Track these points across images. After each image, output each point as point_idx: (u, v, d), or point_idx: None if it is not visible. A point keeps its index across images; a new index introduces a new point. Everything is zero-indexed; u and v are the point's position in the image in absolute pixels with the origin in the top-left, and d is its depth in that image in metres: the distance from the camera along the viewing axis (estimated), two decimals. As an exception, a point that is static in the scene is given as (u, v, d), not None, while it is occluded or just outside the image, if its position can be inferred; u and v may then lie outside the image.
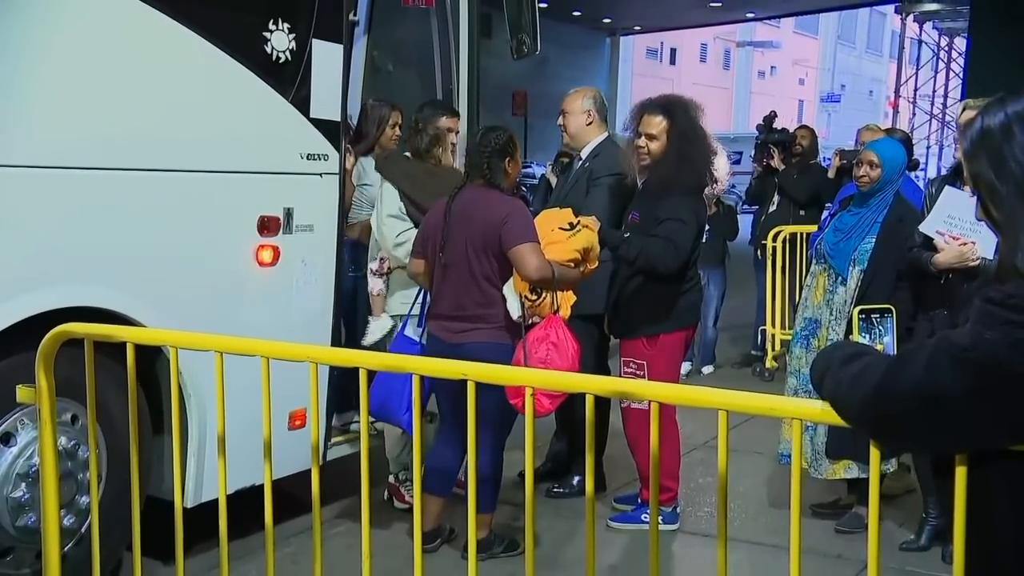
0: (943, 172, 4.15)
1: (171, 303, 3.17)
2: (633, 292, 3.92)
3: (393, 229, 3.86)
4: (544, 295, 3.40)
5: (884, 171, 3.85)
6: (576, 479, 4.35)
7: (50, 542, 2.45)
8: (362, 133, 4.28)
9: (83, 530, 3.03)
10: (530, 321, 3.44)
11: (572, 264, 3.49)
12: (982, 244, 3.45)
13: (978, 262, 3.46)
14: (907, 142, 5.68)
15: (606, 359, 4.40)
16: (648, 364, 3.87)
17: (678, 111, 3.92)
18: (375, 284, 4.04)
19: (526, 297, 3.38)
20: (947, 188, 3.66)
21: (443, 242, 3.46)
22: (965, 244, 3.49)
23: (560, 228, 3.53)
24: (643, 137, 3.91)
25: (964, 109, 3.84)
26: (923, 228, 3.63)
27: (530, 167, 23.38)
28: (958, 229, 3.53)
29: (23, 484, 2.94)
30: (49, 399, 2.36)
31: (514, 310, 3.38)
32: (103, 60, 3.02)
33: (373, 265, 4.05)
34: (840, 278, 3.91)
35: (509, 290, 3.40)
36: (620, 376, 3.88)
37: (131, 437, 2.41)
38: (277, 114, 3.49)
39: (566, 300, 3.54)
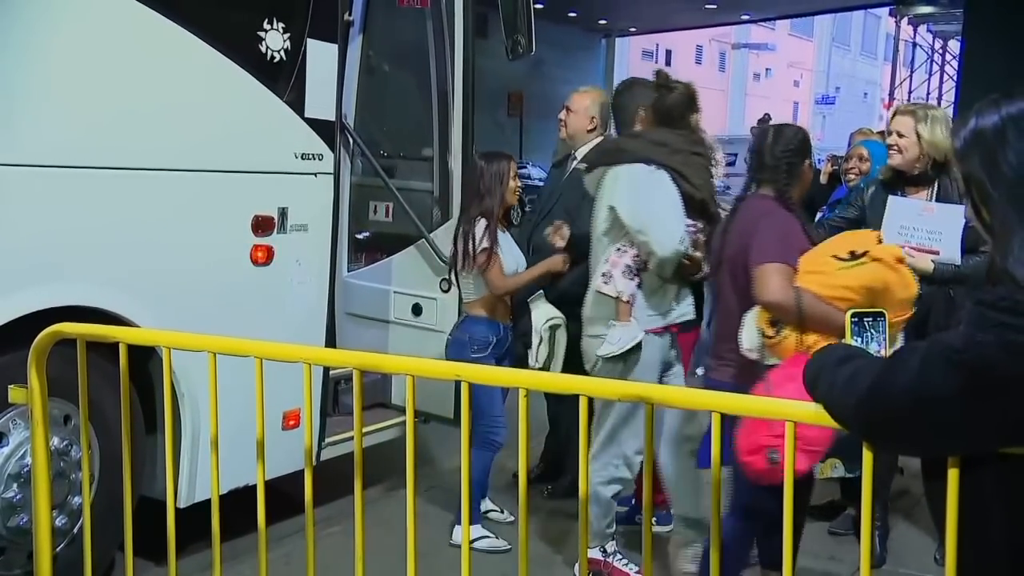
0: (877, 175, 3.98)
1: (165, 303, 3.16)
2: None
3: (677, 225, 3.20)
4: (784, 332, 2.68)
5: (873, 166, 3.88)
6: (569, 480, 4.35)
7: (42, 542, 2.44)
8: (480, 192, 3.80)
9: (75, 530, 3.03)
10: (766, 362, 2.78)
11: (843, 305, 2.58)
12: (946, 250, 3.36)
13: (932, 268, 3.34)
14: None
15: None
16: None
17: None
18: (624, 286, 3.31)
19: (763, 331, 2.74)
20: (891, 198, 3.52)
21: (717, 262, 3.02)
22: (914, 258, 3.34)
23: (835, 256, 2.73)
24: None
25: (895, 114, 3.73)
26: None
27: (525, 168, 23.41)
28: (916, 239, 3.40)
29: (15, 484, 2.93)
30: (41, 399, 2.36)
31: (745, 340, 2.78)
32: (97, 59, 3.01)
33: (623, 259, 3.33)
34: None
35: (750, 318, 2.81)
36: None
37: (123, 437, 2.41)
38: (272, 113, 3.49)
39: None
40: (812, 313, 2.62)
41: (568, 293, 3.89)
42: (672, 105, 3.32)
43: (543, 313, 3.88)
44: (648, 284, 3.36)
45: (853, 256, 2.68)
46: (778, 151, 2.93)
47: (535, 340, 3.85)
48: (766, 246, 2.75)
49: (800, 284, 2.68)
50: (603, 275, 3.36)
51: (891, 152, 3.63)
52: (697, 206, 3.32)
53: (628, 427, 3.37)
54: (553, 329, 3.86)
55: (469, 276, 3.80)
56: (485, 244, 3.70)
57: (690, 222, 3.30)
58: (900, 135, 3.57)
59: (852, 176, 3.94)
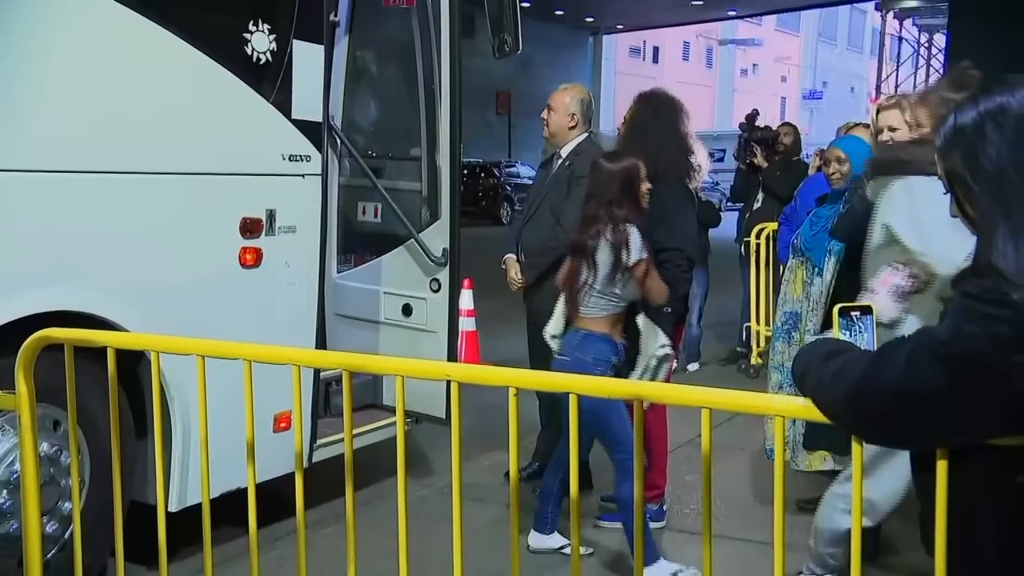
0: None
1: (153, 306, 3.15)
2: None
3: (964, 241, 3.01)
4: None
5: (852, 165, 3.90)
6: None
7: (32, 549, 2.43)
8: (615, 196, 3.47)
9: (66, 536, 3.01)
10: None
11: None
12: None
13: None
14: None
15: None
16: None
17: (641, 104, 3.96)
18: (888, 308, 3.00)
19: None
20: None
21: None
22: None
23: None
24: None
25: (879, 110, 3.73)
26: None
27: (514, 167, 23.43)
28: None
29: (4, 491, 2.91)
30: (29, 405, 2.35)
31: None
32: (82, 62, 3.00)
33: (894, 278, 3.04)
34: (817, 270, 3.95)
35: None
36: None
37: (113, 442, 2.40)
38: (258, 115, 3.48)
39: None
40: None
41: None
42: None
43: (655, 338, 3.61)
44: (927, 307, 2.97)
45: None
46: None
47: (640, 364, 3.60)
48: None
49: None
50: (870, 293, 3.10)
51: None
52: None
53: (886, 460, 2.97)
54: (661, 359, 3.60)
55: (610, 288, 3.44)
56: (644, 253, 3.41)
57: None
58: (892, 128, 3.56)
59: (836, 179, 3.95)
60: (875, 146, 3.75)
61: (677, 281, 3.78)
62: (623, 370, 3.57)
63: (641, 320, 3.63)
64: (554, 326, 3.70)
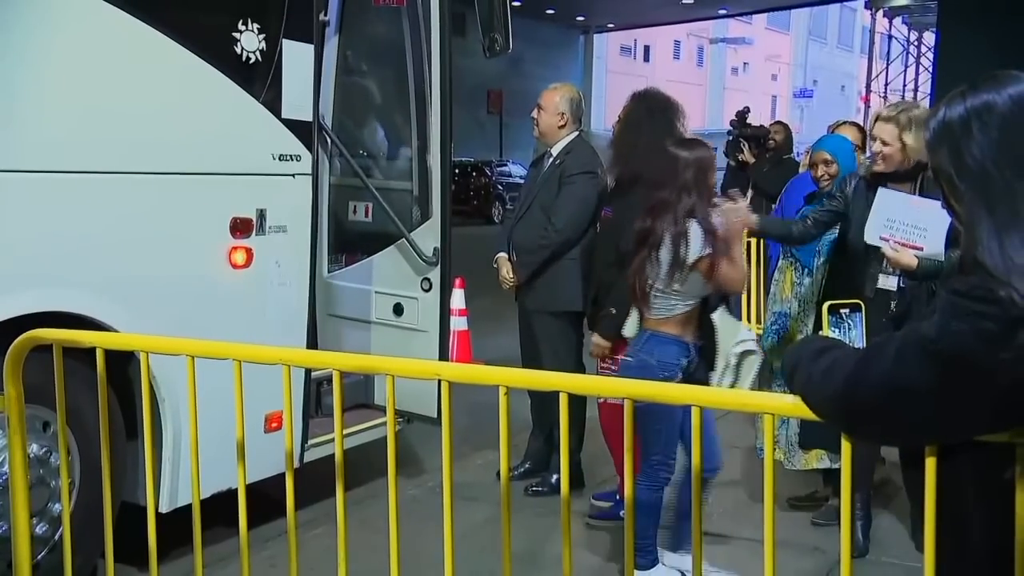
0: (858, 170, 3.93)
1: (143, 307, 3.14)
2: (616, 287, 3.93)
3: None
4: None
5: (840, 165, 3.91)
6: (554, 477, 4.37)
7: (21, 551, 2.42)
8: (682, 186, 3.26)
9: (57, 538, 3.00)
10: None
11: None
12: (930, 246, 3.37)
13: (915, 263, 3.37)
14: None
15: (581, 356, 4.42)
16: None
17: (635, 103, 3.97)
18: None
19: None
20: (881, 190, 3.54)
21: None
22: (899, 252, 3.40)
23: None
24: None
25: (877, 119, 3.70)
26: (867, 238, 3.53)
27: (505, 165, 23.45)
28: (901, 233, 3.41)
29: (-7, 493, 2.90)
30: (18, 406, 2.34)
31: None
32: (71, 62, 2.98)
33: None
34: (806, 270, 3.96)
35: None
36: (598, 371, 3.89)
37: (102, 443, 2.39)
38: (248, 115, 3.47)
39: None
40: None
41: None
42: None
43: (733, 334, 3.38)
44: None
45: None
46: None
47: (720, 364, 3.34)
48: None
49: None
50: None
51: (876, 160, 3.62)
52: None
53: None
54: (743, 355, 3.33)
55: (671, 287, 3.26)
56: (707, 250, 3.20)
57: None
58: (884, 143, 3.56)
59: (825, 182, 3.97)
60: (864, 149, 3.77)
61: None
62: (698, 373, 3.30)
63: (717, 315, 3.40)
64: (630, 327, 3.50)
